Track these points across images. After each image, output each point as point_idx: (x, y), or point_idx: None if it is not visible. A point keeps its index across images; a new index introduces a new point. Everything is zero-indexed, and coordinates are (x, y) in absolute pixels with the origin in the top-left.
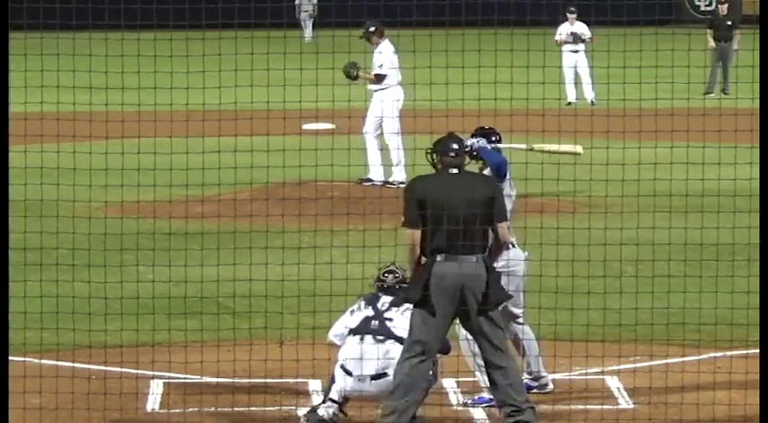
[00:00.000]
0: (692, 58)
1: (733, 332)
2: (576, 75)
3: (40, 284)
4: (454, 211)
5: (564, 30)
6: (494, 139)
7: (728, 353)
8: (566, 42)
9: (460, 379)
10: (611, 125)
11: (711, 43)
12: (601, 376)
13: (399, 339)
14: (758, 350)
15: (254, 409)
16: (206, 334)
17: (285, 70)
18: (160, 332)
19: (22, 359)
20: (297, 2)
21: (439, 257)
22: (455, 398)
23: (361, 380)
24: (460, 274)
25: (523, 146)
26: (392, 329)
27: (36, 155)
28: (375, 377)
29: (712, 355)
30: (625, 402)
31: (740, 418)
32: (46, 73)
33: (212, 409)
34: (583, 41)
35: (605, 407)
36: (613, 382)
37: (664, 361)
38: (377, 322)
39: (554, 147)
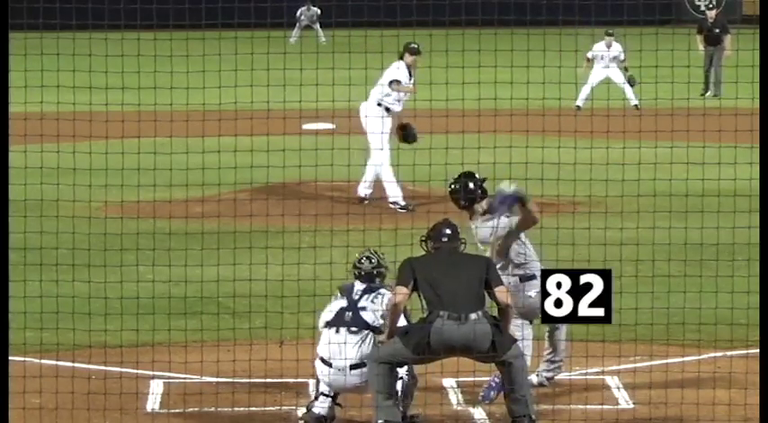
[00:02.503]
0: (692, 58)
1: (733, 332)
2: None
3: (40, 284)
4: (451, 278)
5: (599, 49)
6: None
7: (728, 353)
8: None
9: (460, 379)
10: (611, 125)
11: (700, 47)
12: (601, 376)
13: (374, 329)
14: (758, 350)
15: (254, 409)
16: (206, 334)
17: (285, 70)
18: (160, 332)
19: (22, 359)
20: (298, 13)
21: (442, 312)
22: (455, 398)
23: (341, 370)
24: (460, 334)
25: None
26: (365, 319)
27: (36, 155)
28: (354, 367)
29: (712, 355)
30: (625, 402)
31: (740, 418)
32: (46, 73)
33: (212, 409)
34: (622, 62)
35: (605, 407)
36: (613, 382)
37: (664, 361)
38: (350, 313)
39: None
